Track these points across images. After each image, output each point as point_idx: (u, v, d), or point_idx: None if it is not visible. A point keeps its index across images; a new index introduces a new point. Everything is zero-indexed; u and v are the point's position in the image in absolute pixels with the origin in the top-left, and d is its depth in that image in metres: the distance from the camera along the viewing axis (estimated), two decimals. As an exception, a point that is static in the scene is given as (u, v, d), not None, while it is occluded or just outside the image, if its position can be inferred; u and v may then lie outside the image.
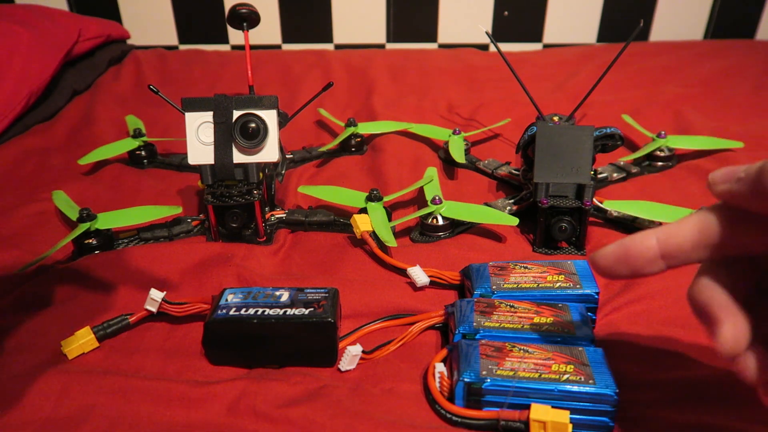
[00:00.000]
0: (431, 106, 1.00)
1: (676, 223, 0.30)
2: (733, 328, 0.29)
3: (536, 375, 0.39)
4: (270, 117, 0.60)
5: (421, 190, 0.71)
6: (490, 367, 0.40)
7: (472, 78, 1.12)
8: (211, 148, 0.60)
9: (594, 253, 0.32)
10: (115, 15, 1.29)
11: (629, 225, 0.64)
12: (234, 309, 0.45)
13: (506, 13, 1.31)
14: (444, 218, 0.64)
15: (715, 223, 0.29)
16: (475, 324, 0.45)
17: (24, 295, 0.54)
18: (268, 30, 1.31)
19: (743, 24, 1.34)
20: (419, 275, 0.54)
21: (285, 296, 0.47)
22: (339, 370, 0.45)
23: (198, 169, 0.61)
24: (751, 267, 0.31)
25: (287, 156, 0.81)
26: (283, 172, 0.72)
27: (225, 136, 0.59)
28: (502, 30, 1.32)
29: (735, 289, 0.30)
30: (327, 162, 0.83)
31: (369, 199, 0.64)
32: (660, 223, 0.63)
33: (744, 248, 0.30)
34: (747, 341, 0.29)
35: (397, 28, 1.32)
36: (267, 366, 0.46)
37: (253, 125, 0.59)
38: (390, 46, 1.34)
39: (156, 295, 0.48)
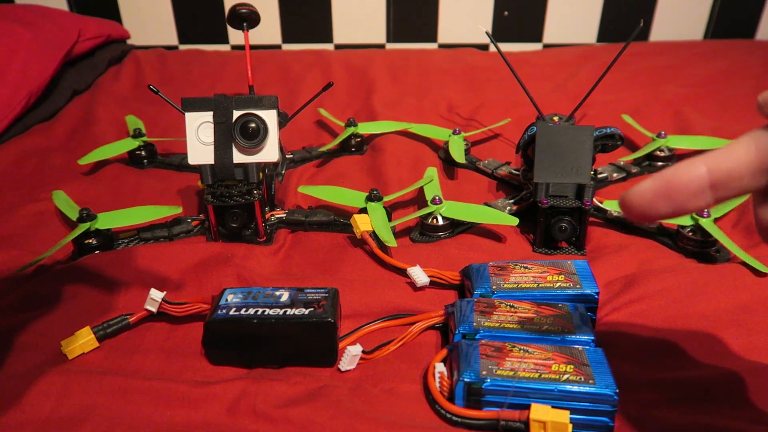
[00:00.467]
0: (431, 106, 1.00)
1: (724, 147, 0.26)
2: None
3: (536, 375, 0.39)
4: (270, 117, 0.60)
5: (421, 190, 0.71)
6: (490, 367, 0.40)
7: (472, 78, 1.11)
8: (211, 148, 0.60)
9: (625, 193, 0.27)
10: (115, 15, 1.29)
11: (629, 225, 0.64)
12: (234, 309, 0.45)
13: (506, 13, 1.31)
14: (444, 218, 0.64)
15: None
16: (475, 324, 0.45)
17: (24, 295, 0.54)
18: (268, 30, 1.31)
19: (743, 24, 1.34)
20: (419, 275, 0.54)
21: (285, 296, 0.47)
22: (339, 370, 0.45)
23: (198, 169, 0.61)
24: None
25: (287, 156, 0.81)
26: (283, 172, 0.72)
27: (225, 136, 0.59)
28: (502, 30, 1.32)
29: None
30: (327, 162, 0.83)
31: (369, 199, 0.64)
32: (660, 224, 0.63)
33: None
34: None
35: (397, 28, 1.32)
36: (267, 366, 0.46)
37: (253, 125, 0.59)
38: (390, 46, 1.34)
39: (156, 295, 0.48)
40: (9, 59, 0.90)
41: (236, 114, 0.59)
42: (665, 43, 1.28)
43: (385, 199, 0.65)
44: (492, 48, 1.32)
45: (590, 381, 0.39)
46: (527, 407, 0.38)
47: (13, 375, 0.44)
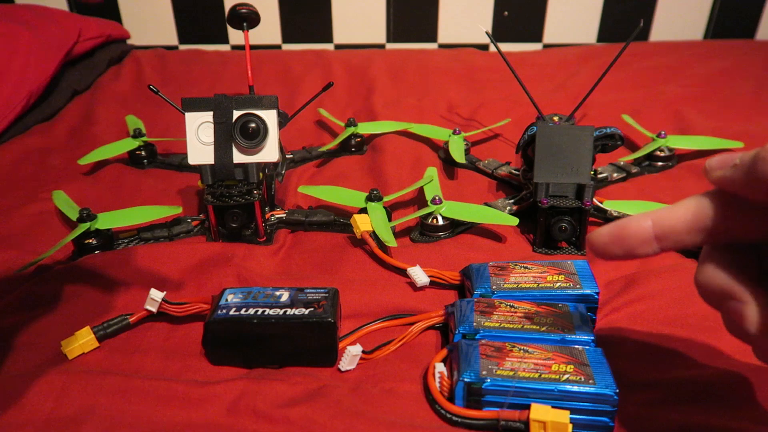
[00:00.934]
0: (431, 106, 1.00)
1: (671, 206, 0.31)
2: (758, 308, 0.29)
3: (536, 375, 0.39)
4: (270, 117, 0.60)
5: (421, 190, 0.71)
6: (490, 367, 0.40)
7: (472, 78, 1.12)
8: (211, 148, 0.60)
9: (590, 233, 0.32)
10: (115, 15, 1.29)
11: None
12: (234, 309, 0.45)
13: (506, 13, 1.31)
14: (444, 218, 0.64)
15: (710, 208, 0.30)
16: (475, 324, 0.45)
17: (24, 295, 0.54)
18: (268, 30, 1.31)
19: (743, 24, 1.34)
20: (419, 275, 0.54)
21: (285, 296, 0.47)
22: (339, 370, 0.45)
23: (198, 169, 0.61)
24: (752, 252, 0.31)
25: (287, 156, 0.81)
26: (283, 172, 0.72)
27: (225, 136, 0.59)
28: (502, 30, 1.32)
29: (742, 271, 0.30)
30: (327, 162, 0.83)
31: (369, 199, 0.64)
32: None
33: (737, 235, 0.30)
34: None
35: (397, 28, 1.32)
36: (267, 366, 0.46)
37: (253, 125, 0.59)
38: (390, 46, 1.34)
39: (156, 295, 0.48)
40: (9, 59, 0.90)
41: (236, 114, 0.59)
42: (665, 43, 1.28)
43: (385, 199, 0.65)
44: (492, 48, 1.32)
45: (590, 381, 0.39)
46: (527, 407, 0.38)
47: (13, 375, 0.44)
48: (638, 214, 0.31)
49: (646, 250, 0.31)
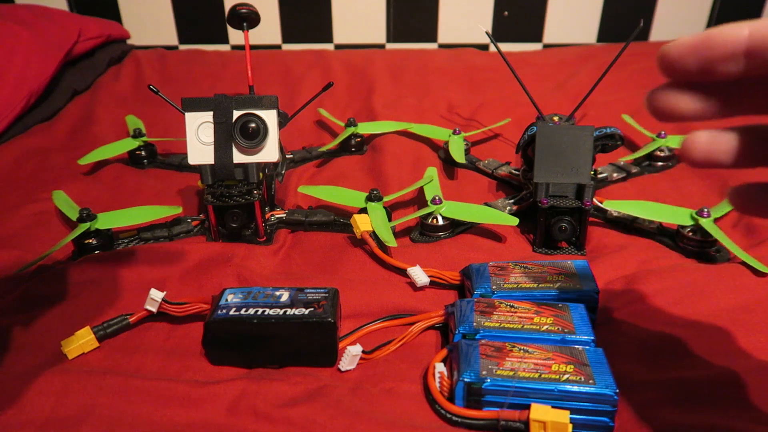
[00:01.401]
0: (431, 106, 1.00)
1: None
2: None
3: (536, 375, 0.39)
4: (270, 117, 0.60)
5: (421, 190, 0.71)
6: (490, 367, 0.40)
7: (472, 78, 1.11)
8: (211, 148, 0.60)
9: (666, 45, 0.27)
10: (115, 15, 1.29)
11: (629, 225, 0.64)
12: (234, 309, 0.45)
13: (506, 13, 1.31)
14: (444, 218, 0.64)
15: None
16: (475, 324, 0.45)
17: (24, 295, 0.54)
18: (268, 30, 1.31)
19: (743, 24, 1.34)
20: (419, 275, 0.54)
21: (285, 296, 0.47)
22: (339, 370, 0.45)
23: (198, 169, 0.61)
24: None
25: (287, 156, 0.81)
26: (283, 172, 0.72)
27: (225, 136, 0.59)
28: (502, 30, 1.32)
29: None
30: (327, 162, 0.83)
31: (369, 199, 0.64)
32: (660, 224, 0.63)
33: None
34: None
35: (397, 28, 1.32)
36: (267, 366, 0.46)
37: (253, 125, 0.59)
38: (390, 46, 1.34)
39: (156, 295, 0.48)
40: (9, 59, 0.90)
41: (236, 114, 0.59)
42: (665, 43, 1.28)
43: (385, 199, 0.65)
44: (492, 48, 1.32)
45: (590, 381, 0.39)
46: (527, 407, 0.38)
47: (13, 375, 0.44)
48: (731, 23, 0.26)
49: (729, 67, 0.26)
